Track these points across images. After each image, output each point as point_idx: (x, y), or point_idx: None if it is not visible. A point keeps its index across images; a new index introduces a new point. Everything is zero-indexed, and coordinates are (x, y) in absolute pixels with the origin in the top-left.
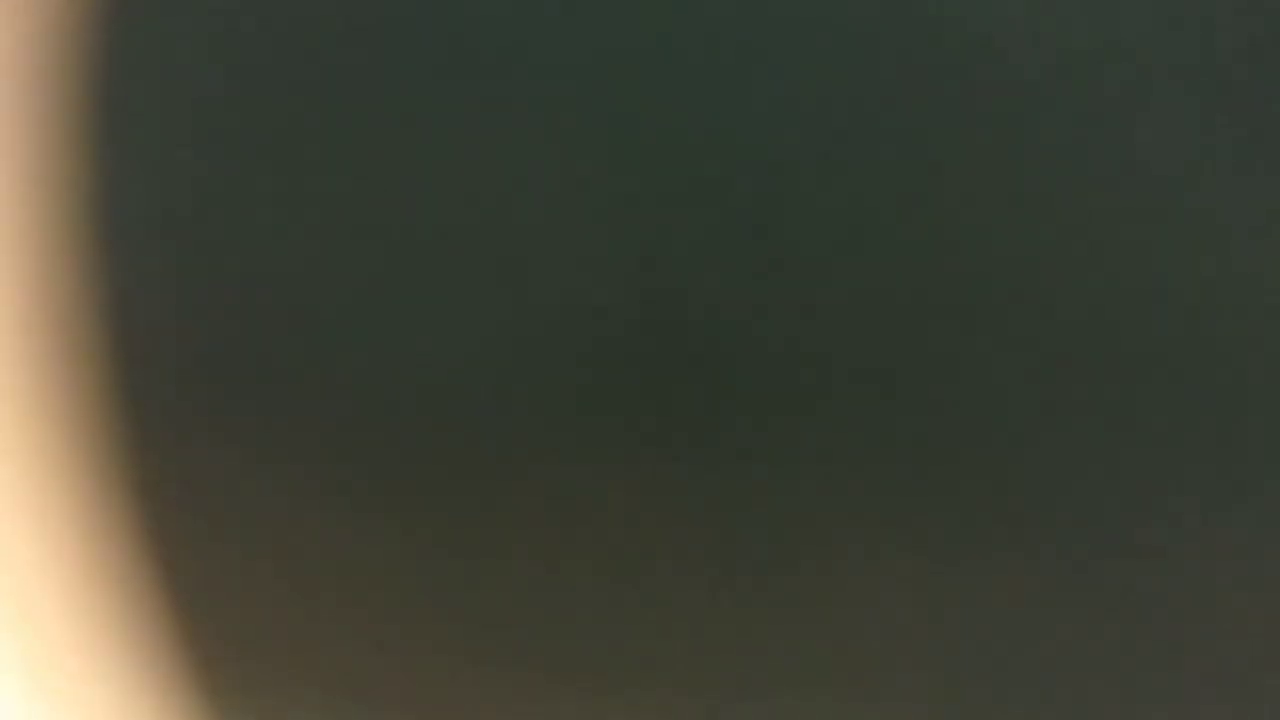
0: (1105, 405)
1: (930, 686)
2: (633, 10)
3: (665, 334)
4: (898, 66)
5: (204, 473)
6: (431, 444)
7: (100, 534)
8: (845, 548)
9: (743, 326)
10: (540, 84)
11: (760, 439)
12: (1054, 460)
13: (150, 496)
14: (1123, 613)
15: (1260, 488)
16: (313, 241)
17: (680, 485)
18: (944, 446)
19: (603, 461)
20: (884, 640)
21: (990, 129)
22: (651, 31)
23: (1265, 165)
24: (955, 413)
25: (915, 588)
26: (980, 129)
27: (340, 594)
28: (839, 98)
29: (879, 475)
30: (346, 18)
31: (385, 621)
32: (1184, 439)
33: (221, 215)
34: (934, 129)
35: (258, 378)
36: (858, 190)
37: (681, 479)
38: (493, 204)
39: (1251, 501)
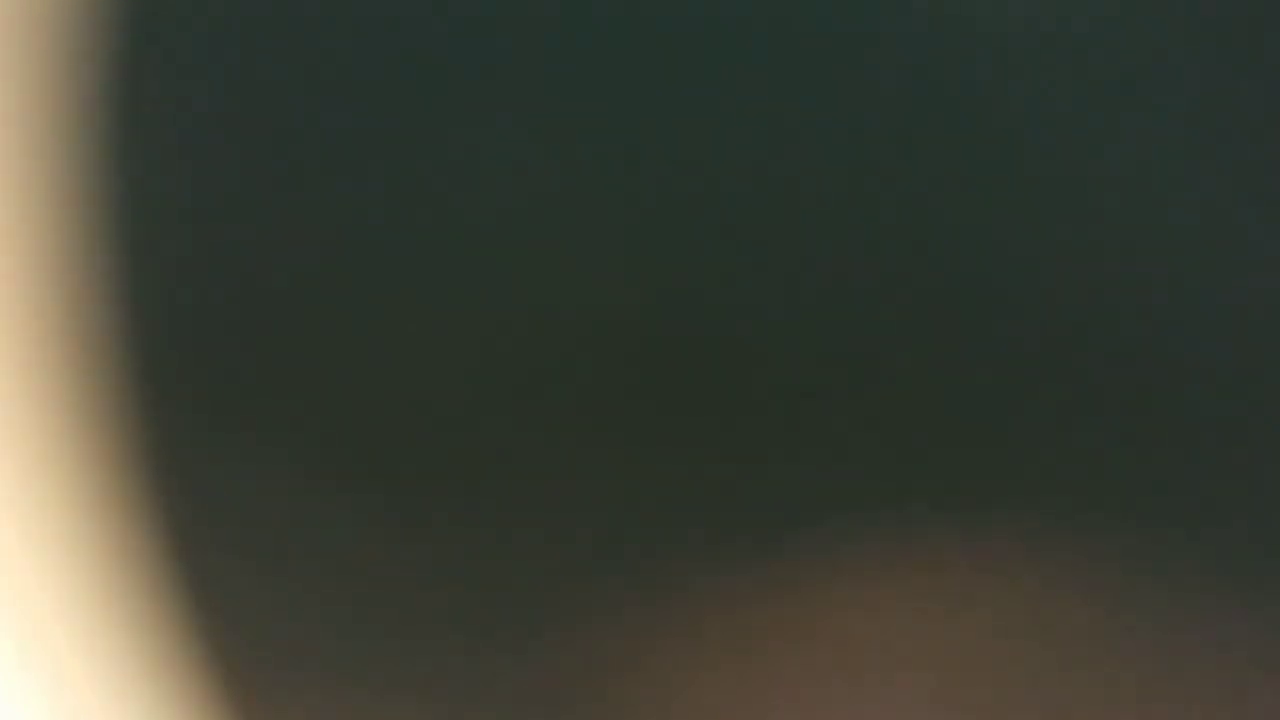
0: (1104, 405)
1: (930, 687)
2: (636, 11)
3: (667, 333)
4: (898, 67)
5: (212, 472)
6: (444, 443)
7: (107, 535)
8: (848, 548)
9: (745, 325)
10: (541, 84)
11: (763, 438)
12: (1053, 460)
13: (157, 497)
14: (1123, 614)
15: (1261, 489)
16: (334, 243)
17: (684, 485)
18: (944, 447)
19: (608, 461)
20: (886, 641)
21: (992, 129)
22: (652, 32)
23: (1265, 165)
24: (954, 413)
25: (918, 588)
26: (981, 129)
27: (350, 594)
28: (839, 97)
29: (879, 475)
30: (356, 17)
31: (393, 621)
32: (1183, 439)
33: (231, 215)
34: (934, 129)
35: (272, 379)
36: (858, 189)
37: (686, 479)
38: (496, 204)
39: (1252, 503)
